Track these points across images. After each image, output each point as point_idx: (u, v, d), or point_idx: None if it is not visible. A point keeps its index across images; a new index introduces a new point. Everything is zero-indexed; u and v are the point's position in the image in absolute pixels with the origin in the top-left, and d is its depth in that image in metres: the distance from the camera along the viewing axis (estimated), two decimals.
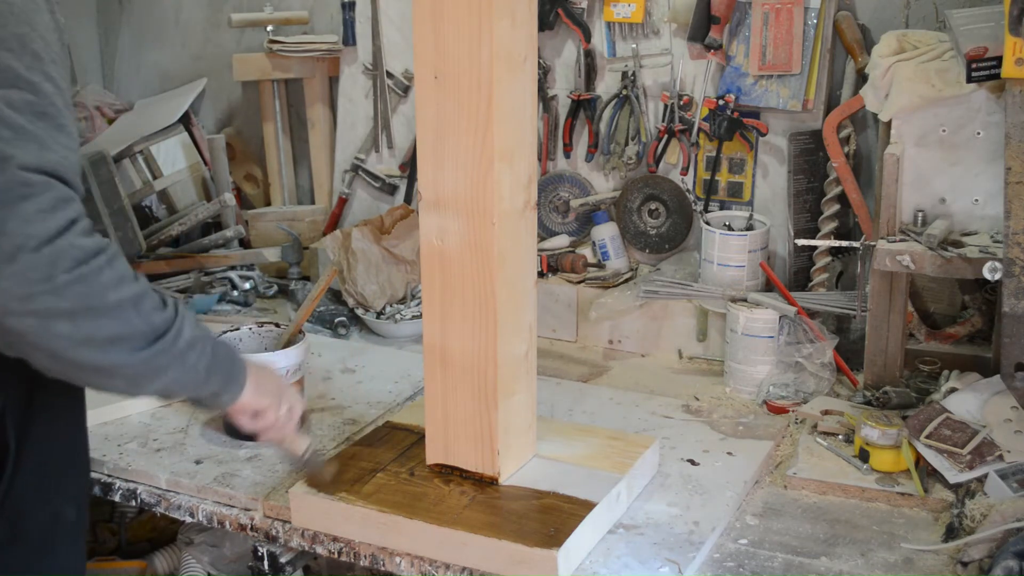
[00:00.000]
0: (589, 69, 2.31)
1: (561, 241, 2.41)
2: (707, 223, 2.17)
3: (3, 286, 1.15)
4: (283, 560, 1.62)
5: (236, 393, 1.43)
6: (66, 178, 1.19)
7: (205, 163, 2.73)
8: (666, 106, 2.25)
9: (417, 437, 1.67)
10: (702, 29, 2.15)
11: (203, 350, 1.33)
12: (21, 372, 1.26)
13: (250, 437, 1.57)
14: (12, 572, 1.39)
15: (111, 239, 2.41)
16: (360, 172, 2.63)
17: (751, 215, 2.18)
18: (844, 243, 2.08)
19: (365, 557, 1.53)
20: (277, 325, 1.92)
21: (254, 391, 1.45)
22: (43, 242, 1.16)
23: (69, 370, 1.24)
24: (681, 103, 2.23)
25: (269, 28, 2.62)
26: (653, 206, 2.32)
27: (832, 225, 2.15)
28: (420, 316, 1.72)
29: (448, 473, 1.59)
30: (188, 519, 1.70)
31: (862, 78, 2.06)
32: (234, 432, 1.80)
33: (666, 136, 2.25)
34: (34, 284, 1.16)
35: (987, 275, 1.71)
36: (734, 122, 2.19)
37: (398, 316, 2.32)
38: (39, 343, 1.19)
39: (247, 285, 2.54)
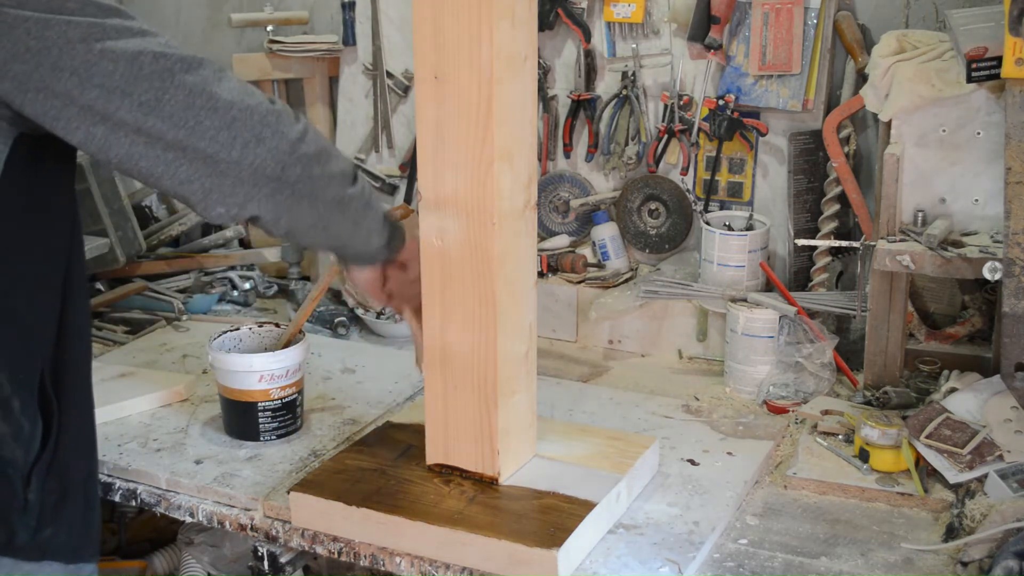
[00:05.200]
0: (589, 69, 2.31)
1: (561, 241, 2.41)
2: (707, 223, 2.17)
3: (272, 144, 1.31)
4: (283, 560, 1.62)
5: (403, 238, 1.57)
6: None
7: None
8: (666, 106, 2.25)
9: (417, 437, 1.67)
10: (702, 29, 2.15)
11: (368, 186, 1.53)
12: (49, 333, 1.38)
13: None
14: (70, 529, 1.42)
15: (111, 239, 2.43)
16: (360, 172, 2.62)
17: (751, 215, 2.18)
18: (844, 243, 2.08)
19: (365, 557, 1.53)
20: (277, 325, 1.92)
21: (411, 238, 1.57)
22: (270, 100, 1.33)
23: (322, 214, 1.40)
24: (681, 103, 2.23)
25: (269, 28, 2.62)
26: (653, 206, 2.32)
27: (832, 225, 2.15)
28: None
29: (448, 473, 1.59)
30: (188, 519, 1.69)
31: (862, 78, 2.06)
32: (234, 431, 1.81)
33: (666, 136, 2.25)
34: (288, 136, 1.33)
35: (987, 275, 1.71)
36: (734, 122, 2.19)
37: (398, 316, 2.32)
38: (303, 190, 1.35)
39: (247, 285, 2.54)
